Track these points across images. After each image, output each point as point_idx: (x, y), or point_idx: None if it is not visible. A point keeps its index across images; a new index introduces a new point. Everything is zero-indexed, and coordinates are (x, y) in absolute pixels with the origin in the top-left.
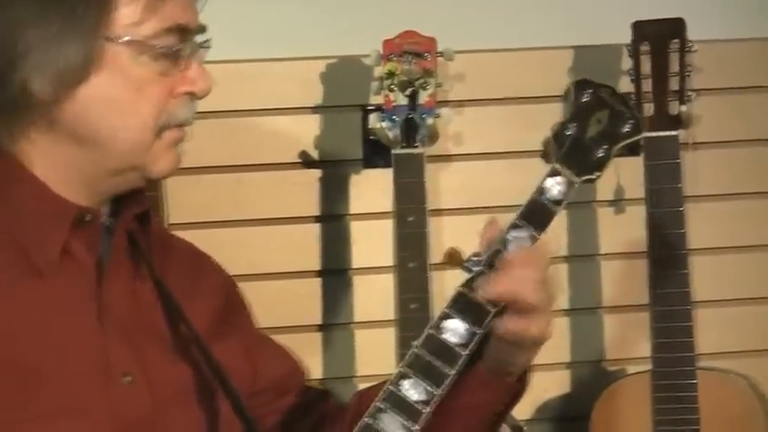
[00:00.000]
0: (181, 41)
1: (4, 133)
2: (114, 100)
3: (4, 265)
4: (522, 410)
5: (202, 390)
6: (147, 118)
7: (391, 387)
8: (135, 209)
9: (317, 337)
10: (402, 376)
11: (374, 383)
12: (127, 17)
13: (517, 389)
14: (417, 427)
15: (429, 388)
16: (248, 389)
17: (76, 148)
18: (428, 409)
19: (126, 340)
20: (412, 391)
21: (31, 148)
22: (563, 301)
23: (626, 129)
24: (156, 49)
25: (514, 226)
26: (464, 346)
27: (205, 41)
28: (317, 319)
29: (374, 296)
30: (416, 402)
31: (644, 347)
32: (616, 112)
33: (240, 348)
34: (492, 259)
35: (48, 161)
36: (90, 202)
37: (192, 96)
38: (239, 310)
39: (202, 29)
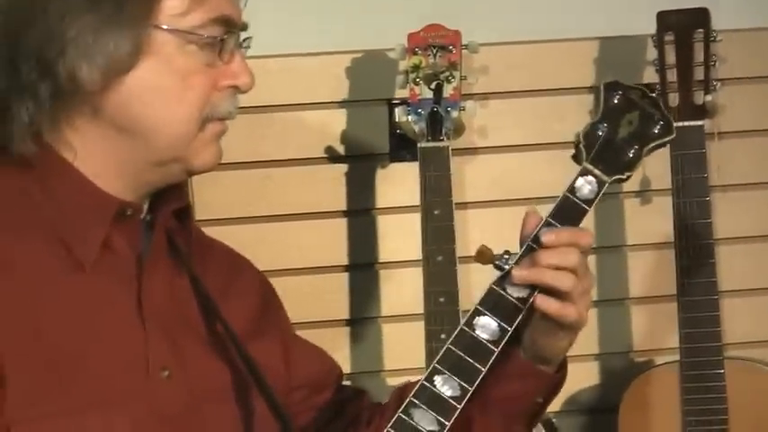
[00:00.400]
0: (225, 33)
1: (47, 122)
2: (160, 88)
3: (46, 259)
4: (552, 403)
5: (238, 387)
6: (193, 109)
7: (424, 383)
8: (174, 204)
9: (345, 331)
10: (435, 372)
11: (414, 380)
12: (174, 7)
13: (556, 379)
14: (449, 422)
15: (461, 384)
16: (284, 387)
17: (120, 138)
18: (460, 405)
19: (165, 335)
20: (445, 386)
21: (74, 137)
22: (591, 293)
23: (657, 130)
24: (203, 39)
25: (547, 224)
26: (495, 342)
27: (246, 39)
28: (345, 314)
29: (402, 290)
30: (449, 398)
31: (672, 338)
32: (647, 114)
33: (276, 347)
34: (524, 256)
35: (90, 152)
36: (131, 197)
37: (236, 90)
38: (275, 310)
39: (245, 26)
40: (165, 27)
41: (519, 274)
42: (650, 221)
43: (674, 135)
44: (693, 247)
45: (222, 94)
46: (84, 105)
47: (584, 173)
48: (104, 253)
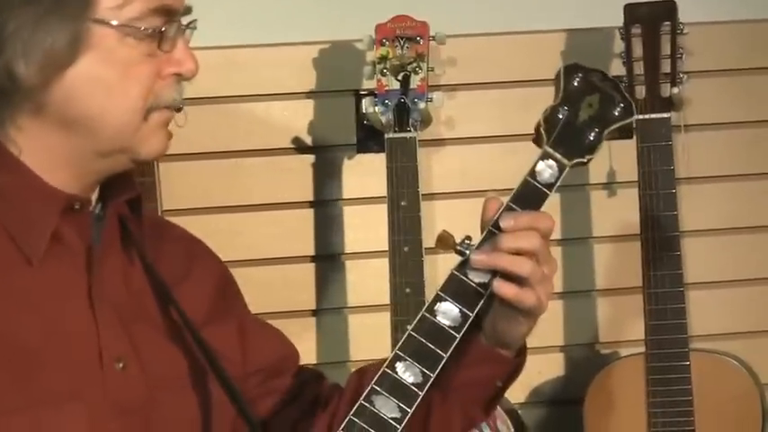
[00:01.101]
0: (166, 22)
1: None
2: (102, 81)
3: None
4: (516, 394)
5: (195, 374)
6: (136, 99)
7: (386, 370)
8: (124, 195)
9: (312, 322)
10: (396, 359)
11: (374, 362)
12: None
13: (516, 364)
14: (411, 409)
15: (423, 371)
16: (240, 373)
17: (65, 133)
18: (422, 392)
19: (118, 326)
20: (407, 373)
21: (18, 134)
22: (556, 285)
23: (617, 112)
24: (142, 30)
25: (508, 208)
26: (457, 328)
27: (191, 22)
28: (312, 305)
29: (368, 281)
30: (411, 385)
31: (637, 330)
32: (607, 96)
33: (233, 333)
34: (485, 241)
35: (36, 147)
36: (79, 189)
37: (180, 78)
38: (232, 294)
39: (188, 10)
40: (103, 20)
41: (478, 258)
42: (616, 213)
43: (635, 116)
44: (659, 239)
45: (166, 82)
46: (25, 103)
47: (544, 156)
48: (54, 246)
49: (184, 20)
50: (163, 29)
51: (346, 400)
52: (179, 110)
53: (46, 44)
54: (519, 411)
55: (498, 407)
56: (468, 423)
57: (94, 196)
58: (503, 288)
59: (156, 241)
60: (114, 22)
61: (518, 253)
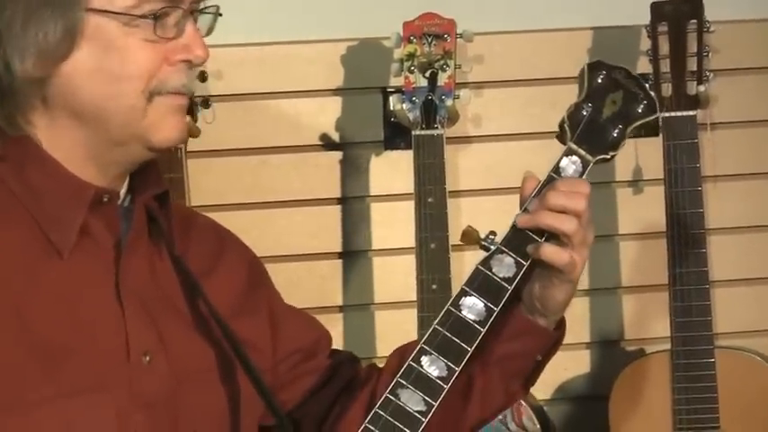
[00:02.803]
0: (167, 8)
1: (6, 123)
2: (102, 70)
3: (24, 246)
4: (542, 391)
5: (223, 367)
6: (135, 83)
7: (411, 363)
8: (152, 189)
9: (339, 318)
10: (422, 353)
11: (413, 340)
12: None
13: (555, 337)
14: (437, 403)
15: (448, 364)
16: (271, 362)
17: (75, 124)
18: (447, 386)
19: (146, 319)
20: (432, 367)
21: (34, 131)
22: (583, 281)
23: (640, 109)
24: (139, 17)
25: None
26: (482, 323)
27: (209, 7)
28: (339, 301)
29: (395, 277)
30: (436, 378)
31: (663, 327)
32: (630, 93)
33: (264, 323)
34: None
35: (53, 142)
36: (107, 182)
37: (189, 64)
38: (263, 284)
39: None
40: (97, 9)
41: (522, 219)
42: (642, 211)
43: (658, 114)
44: (685, 237)
45: (174, 68)
46: (32, 98)
47: (568, 153)
48: (82, 239)
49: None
50: (161, 14)
51: (386, 378)
52: (207, 103)
53: (39, 38)
54: (545, 408)
55: (524, 402)
56: (509, 397)
57: (123, 190)
58: (546, 248)
59: (184, 233)
60: (109, 11)
61: (563, 211)
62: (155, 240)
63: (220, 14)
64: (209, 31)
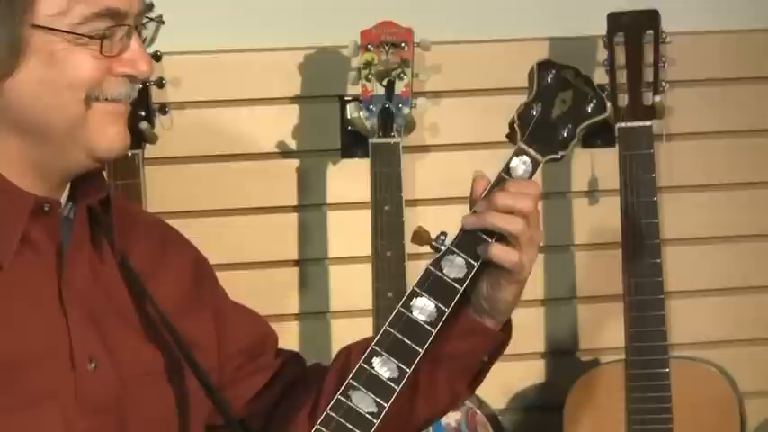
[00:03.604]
0: (113, 26)
1: None
2: (45, 82)
3: None
4: (497, 399)
5: (170, 368)
6: (78, 92)
7: (363, 365)
8: (93, 196)
9: (295, 325)
10: (373, 354)
11: (361, 339)
12: (50, 6)
13: (501, 337)
14: (388, 404)
15: (399, 366)
16: (217, 361)
17: (18, 137)
18: (399, 387)
19: (90, 325)
20: (383, 368)
21: None
22: (538, 291)
23: (590, 108)
24: (85, 35)
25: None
26: (433, 324)
27: (155, 17)
28: (295, 309)
29: (351, 285)
30: (388, 380)
31: (617, 337)
32: (580, 93)
33: (210, 320)
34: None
35: None
36: (47, 191)
37: (133, 78)
38: (208, 282)
39: (148, 7)
40: (42, 26)
41: (469, 219)
42: (598, 221)
43: (608, 113)
44: (640, 247)
45: (116, 80)
46: None
47: (518, 153)
48: (23, 248)
49: (146, 19)
50: (107, 33)
51: (333, 377)
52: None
53: None
54: (499, 417)
55: (478, 411)
56: (453, 397)
57: (64, 197)
58: (494, 249)
59: (127, 233)
60: (55, 28)
61: (510, 212)
62: (97, 245)
63: (163, 23)
64: (152, 41)
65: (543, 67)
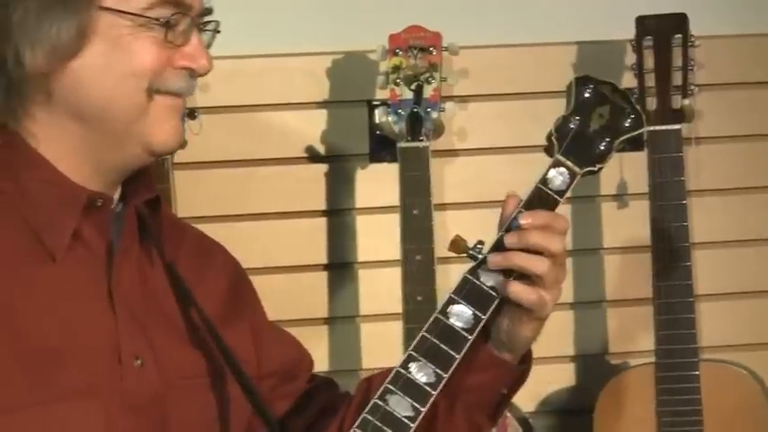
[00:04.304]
0: (177, 14)
1: (8, 113)
2: (110, 67)
3: (16, 249)
4: (527, 403)
5: (212, 374)
6: (142, 80)
7: (400, 369)
8: (144, 195)
9: (324, 330)
10: (410, 359)
11: (381, 370)
12: None
13: (519, 371)
14: (425, 408)
15: (436, 371)
16: (255, 373)
17: (77, 123)
18: (435, 392)
19: (136, 324)
20: (420, 373)
21: (33, 125)
22: (567, 295)
23: (627, 123)
24: (150, 21)
25: (520, 213)
26: (469, 330)
27: (212, 23)
28: (324, 313)
29: (380, 289)
30: (424, 384)
31: (647, 341)
32: (617, 108)
33: (248, 335)
34: (498, 244)
35: (52, 141)
36: (99, 186)
37: (191, 72)
38: (248, 296)
39: (208, 11)
40: (110, 8)
41: (494, 259)
42: (627, 225)
43: (645, 128)
44: (670, 251)
45: (177, 72)
46: (37, 93)
47: (556, 164)
48: (75, 244)
49: (207, 21)
50: (171, 19)
51: (354, 408)
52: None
53: (52, 33)
54: (530, 420)
55: (509, 414)
56: (473, 429)
57: (116, 195)
58: (514, 287)
59: (173, 241)
60: (123, 11)
61: (538, 252)
62: (145, 247)
63: (219, 31)
64: (208, 46)
65: (581, 81)
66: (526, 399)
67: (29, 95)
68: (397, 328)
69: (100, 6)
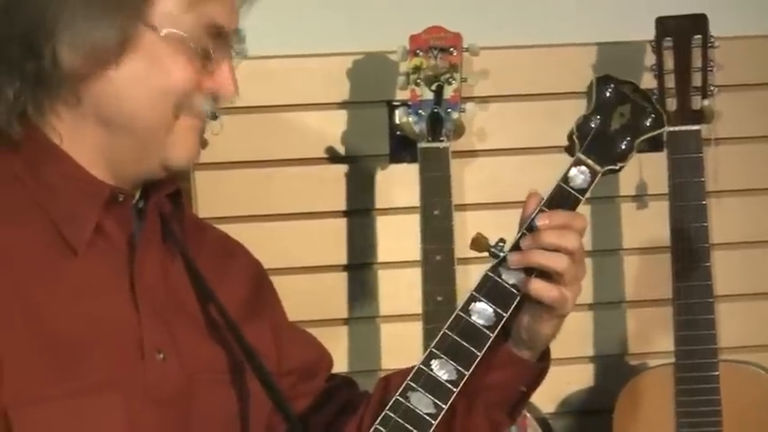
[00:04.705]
0: (214, 40)
1: (31, 105)
2: (143, 82)
3: (39, 243)
4: (547, 404)
5: (232, 369)
6: (172, 99)
7: (422, 366)
8: (165, 189)
9: (344, 330)
10: (431, 356)
11: (399, 369)
12: (168, 7)
13: (538, 369)
14: (446, 405)
15: (458, 368)
16: (274, 372)
17: (101, 130)
18: (457, 389)
19: (158, 318)
20: (442, 371)
21: (58, 124)
22: (586, 296)
23: (649, 123)
24: (190, 44)
25: (540, 212)
26: (491, 327)
27: (242, 48)
28: (344, 313)
29: (400, 290)
30: (446, 382)
31: (666, 342)
32: (638, 107)
33: (268, 332)
34: (518, 243)
35: (75, 139)
36: (119, 185)
37: (217, 96)
38: (269, 296)
39: (242, 36)
40: (154, 27)
41: (514, 258)
42: (646, 225)
43: (666, 127)
44: (689, 251)
45: (203, 95)
46: (67, 94)
47: (577, 163)
48: (96, 238)
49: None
50: (209, 47)
51: (372, 407)
52: (215, 117)
53: (95, 38)
54: (549, 421)
55: (529, 414)
56: (493, 427)
57: (137, 190)
58: (535, 284)
59: (195, 238)
60: (165, 31)
61: (555, 250)
62: (166, 242)
63: (245, 56)
64: (231, 67)
65: (602, 81)
66: (545, 399)
67: (59, 94)
68: (416, 328)
69: (145, 22)
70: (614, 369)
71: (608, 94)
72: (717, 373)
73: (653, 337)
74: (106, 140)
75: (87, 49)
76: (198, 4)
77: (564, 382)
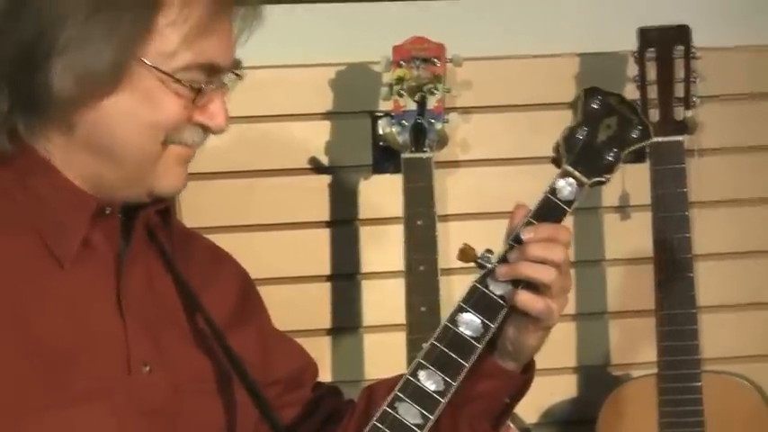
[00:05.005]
0: (209, 77)
1: (23, 125)
2: (133, 115)
3: (27, 255)
4: (530, 414)
5: (220, 379)
6: (160, 132)
7: (409, 377)
8: (154, 206)
9: (327, 341)
10: (419, 367)
11: (383, 379)
12: (164, 44)
13: (522, 380)
14: (433, 416)
15: (445, 379)
16: (261, 379)
17: (90, 157)
18: (444, 400)
19: (145, 330)
20: (429, 381)
21: (49, 145)
22: (569, 306)
23: (635, 134)
24: (184, 83)
25: (527, 224)
26: (478, 339)
27: (238, 72)
28: (327, 323)
29: (384, 300)
30: (433, 393)
31: (649, 352)
32: (625, 119)
33: (255, 341)
34: (506, 255)
35: (63, 160)
36: (106, 204)
37: (206, 128)
38: (255, 304)
39: (237, 64)
40: (148, 63)
41: (502, 270)
42: (629, 236)
43: (652, 139)
44: (672, 262)
45: (193, 127)
46: (58, 119)
47: (564, 174)
48: (84, 251)
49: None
50: (203, 85)
51: (356, 417)
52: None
53: (90, 67)
54: (532, 431)
55: (512, 425)
56: None
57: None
58: (522, 296)
59: (182, 248)
60: (159, 69)
61: (542, 262)
62: (154, 254)
63: (241, 78)
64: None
65: (589, 93)
66: (529, 410)
67: (51, 118)
68: (400, 338)
69: (140, 58)
70: (597, 379)
71: (594, 106)
72: (700, 383)
73: (636, 347)
74: (95, 167)
75: (80, 75)
76: (195, 42)
77: (547, 392)
